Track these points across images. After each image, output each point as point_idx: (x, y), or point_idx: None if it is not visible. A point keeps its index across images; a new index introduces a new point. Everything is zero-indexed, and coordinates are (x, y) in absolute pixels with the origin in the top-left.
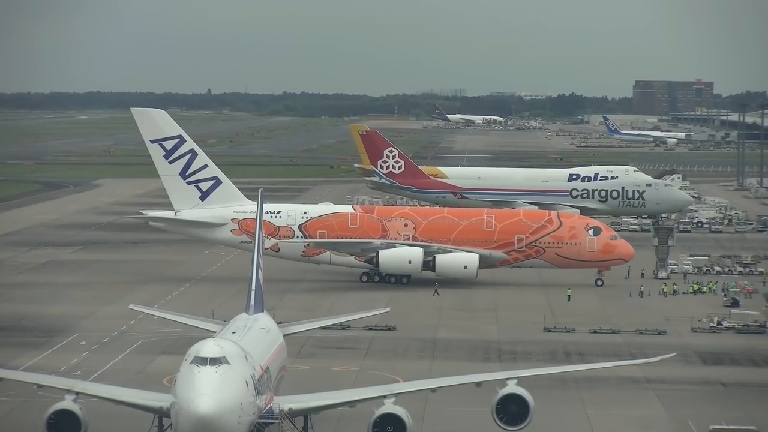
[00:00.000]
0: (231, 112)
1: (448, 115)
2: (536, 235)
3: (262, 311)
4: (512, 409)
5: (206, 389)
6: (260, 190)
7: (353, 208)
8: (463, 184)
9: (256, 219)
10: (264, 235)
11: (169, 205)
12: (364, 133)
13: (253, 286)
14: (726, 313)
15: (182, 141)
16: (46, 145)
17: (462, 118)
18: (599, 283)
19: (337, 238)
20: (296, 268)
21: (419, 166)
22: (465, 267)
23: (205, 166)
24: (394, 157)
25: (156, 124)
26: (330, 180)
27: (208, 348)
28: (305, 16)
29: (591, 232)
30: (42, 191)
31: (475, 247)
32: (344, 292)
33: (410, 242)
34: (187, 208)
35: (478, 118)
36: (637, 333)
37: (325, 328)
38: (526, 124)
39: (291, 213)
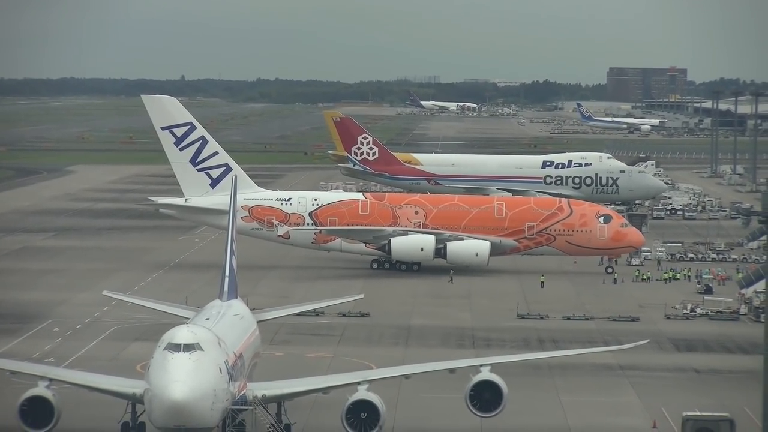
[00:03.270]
0: (205, 98)
1: (422, 102)
2: (547, 223)
3: (236, 298)
4: (486, 395)
5: (180, 375)
6: (234, 177)
7: (363, 195)
8: (437, 171)
9: (230, 205)
10: (277, 222)
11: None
12: (338, 119)
13: (227, 273)
14: (699, 300)
15: (193, 128)
16: (20, 132)
17: (436, 105)
18: (609, 270)
19: (348, 225)
20: (270, 254)
21: (393, 153)
22: (476, 254)
23: (216, 153)
24: (368, 143)
25: (166, 111)
26: (304, 167)
27: (181, 334)
28: (279, 2)
29: (602, 219)
30: (16, 177)
31: (485, 234)
32: (318, 278)
33: (421, 230)
34: (198, 195)
35: (452, 105)
36: (611, 320)
37: (298, 314)
38: (500, 110)
39: (302, 200)
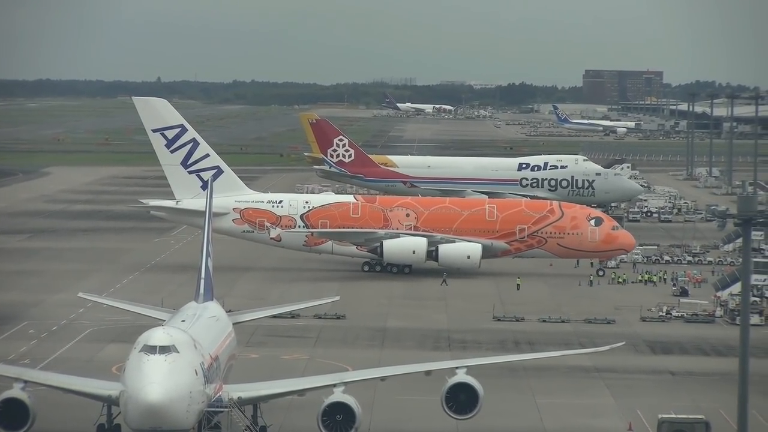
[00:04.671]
0: (181, 100)
1: (398, 104)
2: (538, 225)
3: (212, 300)
4: (461, 397)
5: (155, 377)
6: (210, 179)
7: (355, 197)
8: (413, 173)
9: (206, 207)
10: (269, 224)
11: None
12: (314, 121)
13: (203, 275)
14: (675, 302)
15: (184, 130)
16: None
17: (412, 107)
18: (601, 273)
19: (339, 227)
20: (245, 255)
21: (369, 155)
22: (468, 257)
23: (207, 155)
24: (344, 145)
25: (158, 113)
26: (280, 168)
27: (157, 336)
28: (255, 2)
29: (593, 222)
30: None
31: (476, 237)
32: (294, 280)
33: (413, 232)
34: (189, 197)
35: (428, 107)
36: (587, 322)
37: (274, 316)
38: (476, 113)
39: (293, 203)
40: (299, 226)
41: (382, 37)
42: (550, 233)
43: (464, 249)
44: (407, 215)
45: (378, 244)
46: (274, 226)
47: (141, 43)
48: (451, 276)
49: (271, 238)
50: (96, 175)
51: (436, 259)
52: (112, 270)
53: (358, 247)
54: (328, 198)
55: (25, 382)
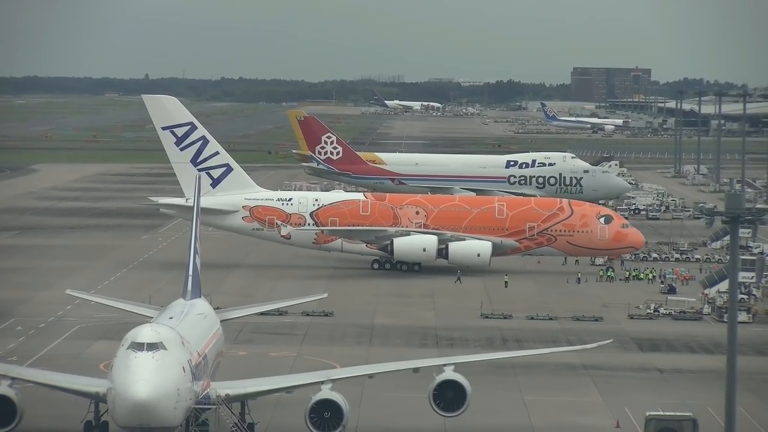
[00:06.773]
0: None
1: (386, 101)
2: (548, 223)
3: (200, 297)
4: (449, 395)
5: (143, 374)
6: (198, 177)
7: (364, 195)
8: (401, 170)
9: (194, 205)
10: (280, 222)
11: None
12: (302, 118)
13: (190, 272)
14: (663, 299)
15: (193, 128)
16: None
17: (400, 104)
18: (610, 271)
19: (349, 225)
20: (233, 252)
21: (357, 152)
22: (478, 255)
23: (217, 153)
24: (332, 142)
25: (167, 111)
26: (268, 166)
27: (145, 333)
28: (243, 0)
29: (602, 220)
30: None
31: (486, 235)
32: (281, 277)
33: (423, 230)
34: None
35: (416, 104)
36: (574, 319)
37: (262, 313)
38: (464, 110)
39: (302, 200)
40: (309, 224)
41: (370, 35)
42: (560, 231)
43: (474, 247)
44: (417, 213)
45: (388, 241)
46: (284, 224)
47: (129, 40)
48: (439, 274)
49: (282, 236)
50: (84, 173)
51: (446, 257)
52: (100, 267)
53: (368, 245)
54: (338, 196)
55: (13, 378)
